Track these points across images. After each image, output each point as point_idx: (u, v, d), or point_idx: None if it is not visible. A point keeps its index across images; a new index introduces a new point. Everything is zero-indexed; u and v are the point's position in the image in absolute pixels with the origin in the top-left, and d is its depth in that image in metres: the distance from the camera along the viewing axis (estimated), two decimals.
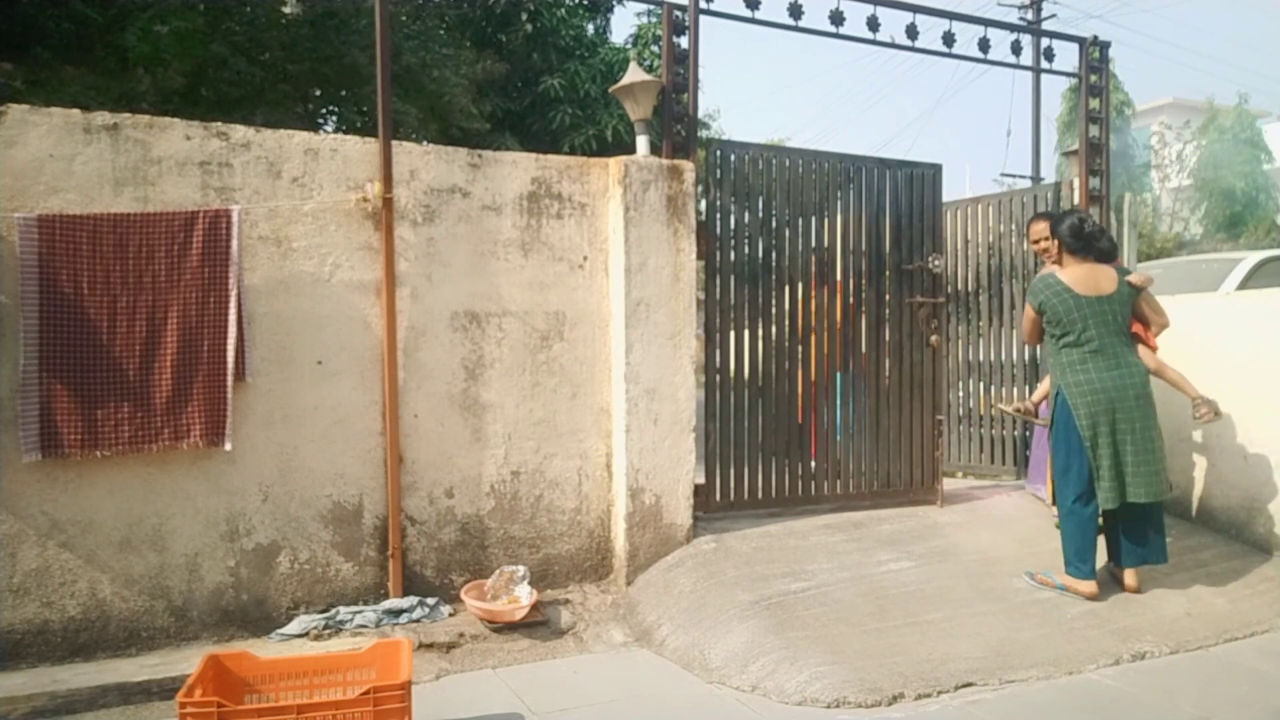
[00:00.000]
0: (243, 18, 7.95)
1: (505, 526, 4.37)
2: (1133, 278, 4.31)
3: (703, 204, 4.89)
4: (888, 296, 5.28)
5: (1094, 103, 5.89)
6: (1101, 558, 4.37)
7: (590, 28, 12.02)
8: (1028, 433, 5.91)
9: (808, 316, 5.12)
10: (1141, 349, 4.35)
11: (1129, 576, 4.28)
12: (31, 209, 3.50)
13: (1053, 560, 4.54)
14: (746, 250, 4.97)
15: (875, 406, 5.25)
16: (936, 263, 5.36)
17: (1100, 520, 4.32)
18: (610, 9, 12.45)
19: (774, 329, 5.02)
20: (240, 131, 3.87)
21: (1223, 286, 6.89)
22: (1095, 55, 5.91)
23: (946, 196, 5.65)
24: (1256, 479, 4.93)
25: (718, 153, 4.90)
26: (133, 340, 3.62)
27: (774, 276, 5.02)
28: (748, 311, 4.95)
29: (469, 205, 4.28)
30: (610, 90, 4.96)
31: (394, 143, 4.10)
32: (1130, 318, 4.30)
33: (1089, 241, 4.28)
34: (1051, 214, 4.97)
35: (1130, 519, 4.23)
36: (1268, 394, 4.85)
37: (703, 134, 6.67)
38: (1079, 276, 4.22)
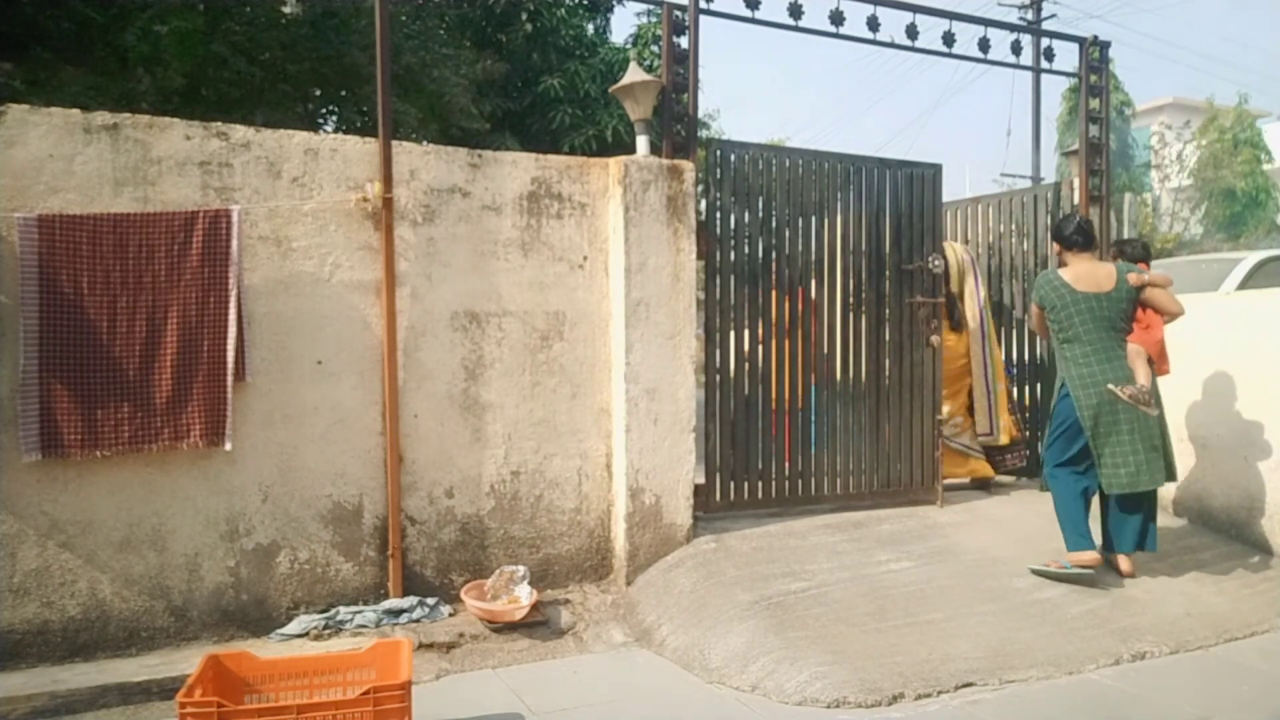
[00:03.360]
0: (243, 18, 7.94)
1: (505, 526, 4.37)
2: (1131, 277, 4.39)
3: (703, 204, 4.89)
4: (888, 296, 5.28)
5: (1094, 103, 5.89)
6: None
7: (590, 28, 12.02)
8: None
9: (807, 316, 5.12)
10: (1130, 344, 4.44)
11: (1123, 562, 4.45)
12: (31, 209, 3.50)
13: (1053, 559, 4.55)
14: (746, 250, 4.97)
15: (875, 406, 5.25)
16: (936, 263, 5.36)
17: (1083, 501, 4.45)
18: (610, 9, 12.44)
19: (773, 328, 5.02)
20: (240, 131, 3.87)
21: (1223, 286, 6.89)
22: (1095, 55, 5.91)
23: (946, 196, 5.65)
24: (1256, 479, 4.93)
25: (718, 153, 4.90)
26: (133, 340, 3.62)
27: (774, 276, 5.02)
28: (748, 311, 4.95)
29: (469, 205, 4.28)
30: (610, 90, 4.95)
31: (394, 143, 4.10)
32: (1129, 314, 4.42)
33: (1085, 235, 4.49)
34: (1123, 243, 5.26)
35: (1127, 506, 4.40)
36: (1268, 394, 4.85)
37: (703, 134, 6.67)
38: (1079, 273, 4.41)
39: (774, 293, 5.01)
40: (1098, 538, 4.44)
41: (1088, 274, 4.40)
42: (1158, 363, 4.59)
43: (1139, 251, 5.04)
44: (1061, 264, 4.59)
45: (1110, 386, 4.27)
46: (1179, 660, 3.73)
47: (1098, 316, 4.34)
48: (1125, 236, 5.49)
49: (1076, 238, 4.49)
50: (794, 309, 5.07)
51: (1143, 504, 4.41)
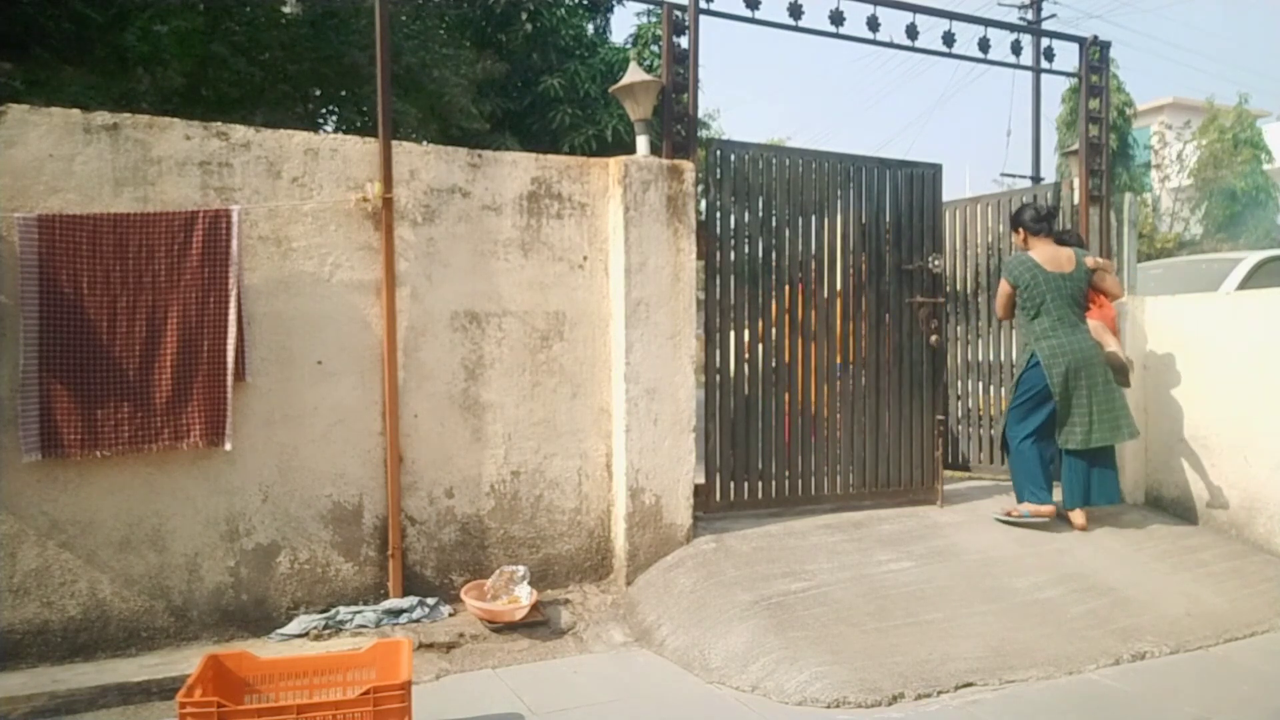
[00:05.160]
0: (243, 18, 7.95)
1: (505, 526, 4.37)
2: (1087, 260, 5.02)
3: (703, 204, 4.89)
4: (888, 296, 5.28)
5: (1094, 103, 5.89)
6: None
7: (590, 28, 12.02)
8: None
9: (807, 316, 5.12)
10: (1091, 320, 5.01)
11: (1077, 516, 4.95)
12: (31, 209, 3.50)
13: (1053, 560, 4.56)
14: (746, 250, 4.97)
15: (875, 406, 5.25)
16: (936, 263, 5.36)
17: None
18: (610, 9, 12.45)
19: (773, 329, 5.02)
20: (240, 131, 3.87)
21: (1223, 286, 6.89)
22: (1095, 55, 5.91)
23: (946, 196, 5.65)
24: (1256, 479, 4.93)
25: (718, 153, 4.90)
26: (133, 340, 3.62)
27: (774, 276, 5.02)
28: (748, 311, 4.95)
29: (469, 205, 4.28)
30: (610, 90, 4.95)
31: (394, 143, 4.10)
32: (1086, 292, 5.01)
33: (1048, 221, 5.07)
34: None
35: (1077, 464, 4.93)
36: (1268, 394, 4.85)
37: (702, 134, 6.67)
38: (1046, 256, 4.97)
39: (774, 293, 5.01)
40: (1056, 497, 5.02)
41: (1051, 257, 4.95)
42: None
43: (1072, 240, 5.46)
44: (1025, 248, 5.09)
45: (1109, 351, 4.87)
46: (1179, 660, 3.73)
47: (1063, 294, 4.89)
48: (1064, 229, 5.80)
49: (1042, 224, 5.04)
50: (794, 309, 5.07)
51: (1093, 462, 4.93)
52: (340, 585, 4.04)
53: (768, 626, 3.78)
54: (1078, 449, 4.88)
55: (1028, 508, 4.93)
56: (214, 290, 3.71)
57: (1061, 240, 5.37)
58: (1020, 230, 5.11)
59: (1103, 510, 5.27)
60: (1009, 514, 4.98)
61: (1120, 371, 4.91)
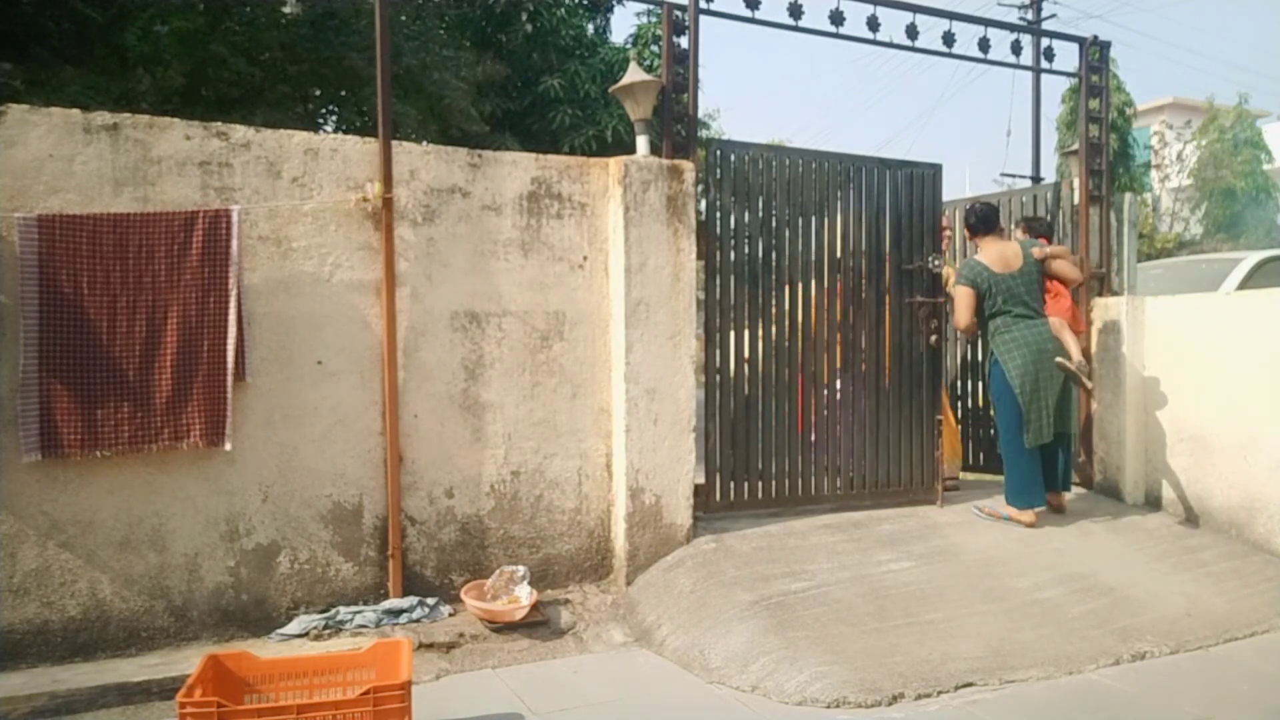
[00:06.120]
0: (243, 18, 7.95)
1: (505, 526, 4.37)
2: (1035, 252, 5.13)
3: (703, 204, 4.89)
4: (888, 296, 5.28)
5: (1094, 103, 5.89)
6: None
7: (590, 28, 12.02)
8: None
9: (807, 316, 5.12)
10: (1052, 318, 5.12)
11: (1055, 498, 5.22)
12: (31, 209, 3.50)
13: (1053, 560, 4.56)
14: (746, 250, 4.97)
15: (875, 406, 5.25)
16: (936, 263, 5.36)
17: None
18: (610, 9, 12.45)
19: (774, 329, 5.02)
20: (240, 131, 3.87)
21: (1223, 286, 6.90)
22: (1095, 55, 5.91)
23: (946, 196, 5.65)
24: (1256, 479, 4.92)
25: (718, 153, 4.90)
26: (133, 340, 3.62)
27: (774, 276, 5.02)
28: (748, 311, 4.95)
29: (469, 205, 4.28)
30: (610, 90, 4.95)
31: (394, 142, 4.10)
32: (1040, 284, 5.14)
33: (989, 220, 5.16)
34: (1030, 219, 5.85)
35: (1051, 453, 5.14)
36: (1268, 394, 4.85)
37: (702, 134, 6.67)
38: (992, 256, 5.09)
39: (773, 293, 5.01)
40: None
41: (999, 256, 5.07)
42: (1072, 326, 5.28)
43: (1043, 228, 5.62)
44: (975, 248, 5.24)
45: (1060, 360, 4.91)
46: (1179, 660, 3.73)
47: (1014, 293, 5.02)
48: (1034, 215, 6.05)
49: (980, 225, 5.16)
50: (794, 309, 5.07)
51: (1060, 450, 5.18)
52: (340, 585, 4.04)
53: (768, 626, 3.78)
54: (1043, 443, 5.00)
55: (1009, 511, 5.08)
56: (214, 290, 3.71)
57: (1030, 227, 5.57)
58: (967, 229, 5.25)
59: (1103, 510, 5.28)
60: (990, 512, 5.15)
61: (1075, 379, 4.98)
